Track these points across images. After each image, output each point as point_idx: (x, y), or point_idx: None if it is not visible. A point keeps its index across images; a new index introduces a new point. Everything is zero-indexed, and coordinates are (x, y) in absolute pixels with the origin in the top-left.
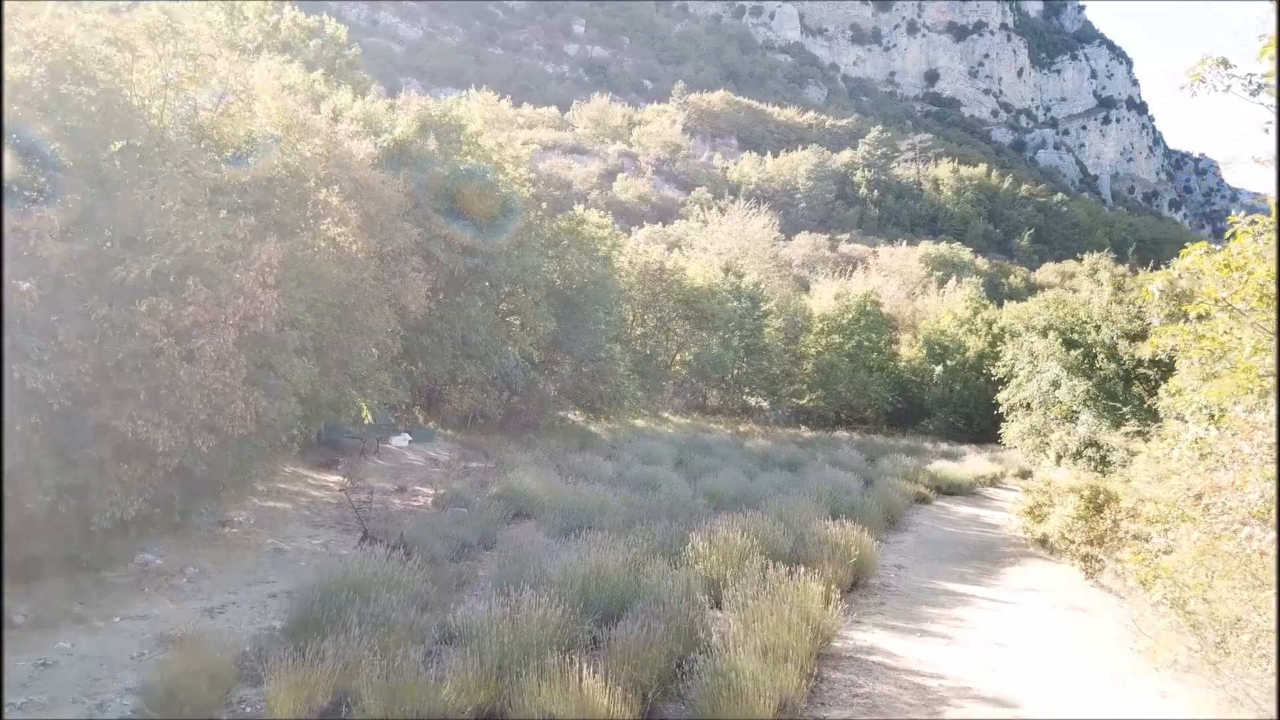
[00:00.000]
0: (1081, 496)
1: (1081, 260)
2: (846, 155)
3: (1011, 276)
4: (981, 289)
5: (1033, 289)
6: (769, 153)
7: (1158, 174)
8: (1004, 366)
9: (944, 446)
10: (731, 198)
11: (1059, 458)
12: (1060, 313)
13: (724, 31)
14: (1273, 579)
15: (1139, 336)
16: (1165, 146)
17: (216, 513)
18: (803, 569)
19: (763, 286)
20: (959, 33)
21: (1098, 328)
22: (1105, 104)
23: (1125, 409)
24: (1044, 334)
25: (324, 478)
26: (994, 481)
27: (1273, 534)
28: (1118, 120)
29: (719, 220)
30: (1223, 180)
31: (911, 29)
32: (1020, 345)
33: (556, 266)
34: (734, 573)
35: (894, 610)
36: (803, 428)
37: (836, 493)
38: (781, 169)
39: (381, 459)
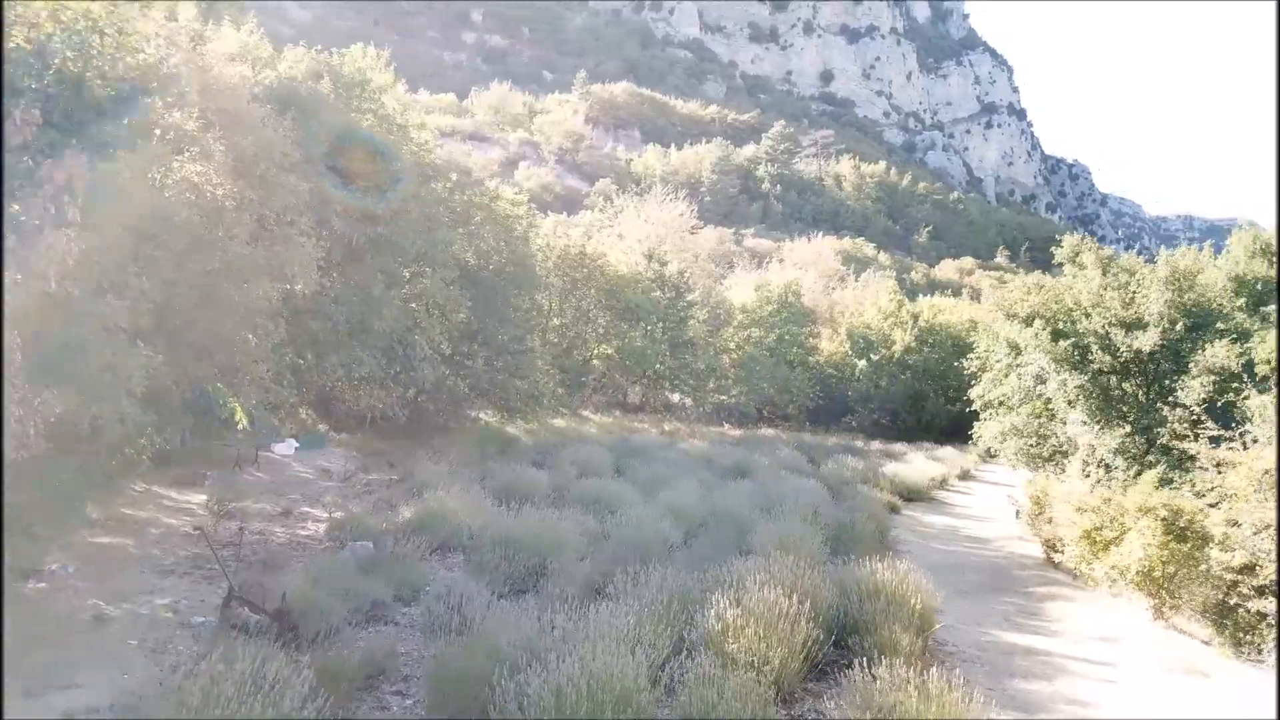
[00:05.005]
0: (1158, 519)
1: (1059, 249)
2: (750, 150)
3: (913, 272)
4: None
5: (934, 285)
6: (673, 145)
7: (1035, 178)
8: (978, 359)
9: (877, 445)
10: (637, 188)
11: (1085, 466)
12: (1044, 299)
13: (624, 25)
14: None
15: (1135, 325)
16: (1042, 151)
17: (13, 565)
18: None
19: (687, 276)
20: (852, 35)
21: (1088, 315)
22: (988, 109)
23: (1194, 409)
24: (1028, 323)
25: (186, 497)
26: (943, 484)
27: None
28: (999, 125)
29: (636, 206)
30: (1094, 185)
31: (808, 29)
32: (995, 336)
33: (469, 245)
34: (785, 654)
35: (989, 690)
36: (726, 425)
37: (816, 505)
38: (686, 162)
39: (261, 471)
